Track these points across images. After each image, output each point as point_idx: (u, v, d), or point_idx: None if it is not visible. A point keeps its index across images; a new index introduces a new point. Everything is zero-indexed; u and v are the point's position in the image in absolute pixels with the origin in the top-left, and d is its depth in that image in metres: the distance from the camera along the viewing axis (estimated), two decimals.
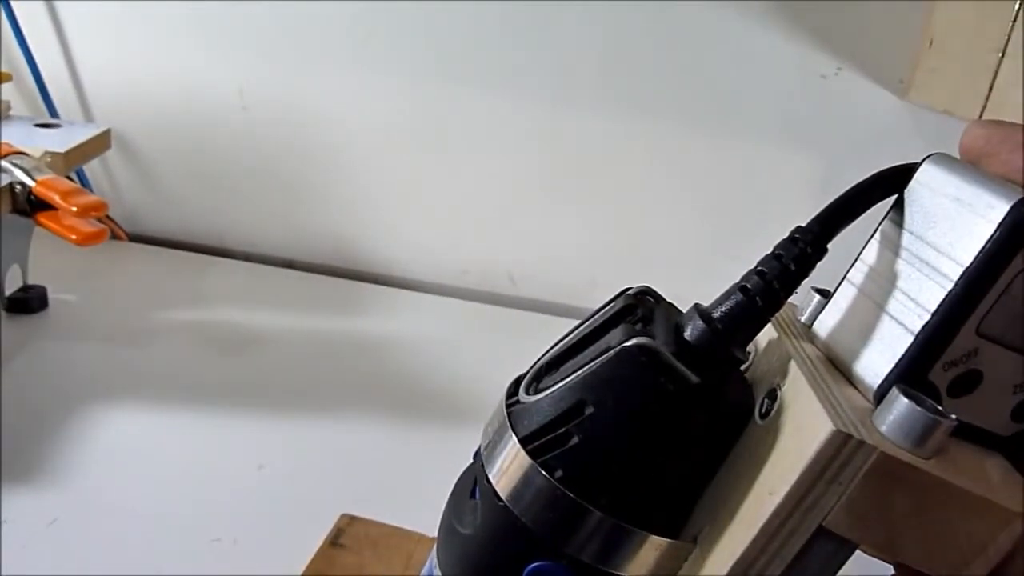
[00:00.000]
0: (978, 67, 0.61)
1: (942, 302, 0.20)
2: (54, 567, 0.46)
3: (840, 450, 0.18)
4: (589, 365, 0.22)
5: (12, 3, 0.77)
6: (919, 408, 0.19)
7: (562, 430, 0.21)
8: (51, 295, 0.71)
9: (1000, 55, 0.60)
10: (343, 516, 0.51)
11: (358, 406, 0.64)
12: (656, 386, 0.21)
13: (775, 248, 0.22)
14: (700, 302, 0.23)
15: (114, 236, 0.84)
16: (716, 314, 0.22)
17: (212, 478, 0.54)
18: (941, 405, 0.20)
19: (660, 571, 0.22)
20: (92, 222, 0.57)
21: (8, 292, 0.68)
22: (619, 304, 0.23)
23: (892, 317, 0.22)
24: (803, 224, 0.22)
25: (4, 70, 0.74)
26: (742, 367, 0.23)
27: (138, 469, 0.54)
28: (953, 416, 0.19)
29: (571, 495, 0.21)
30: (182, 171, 0.86)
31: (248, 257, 0.87)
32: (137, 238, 0.87)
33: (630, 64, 0.76)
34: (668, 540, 0.22)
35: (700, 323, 0.22)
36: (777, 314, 0.24)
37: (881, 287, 0.22)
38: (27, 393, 0.59)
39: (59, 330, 0.69)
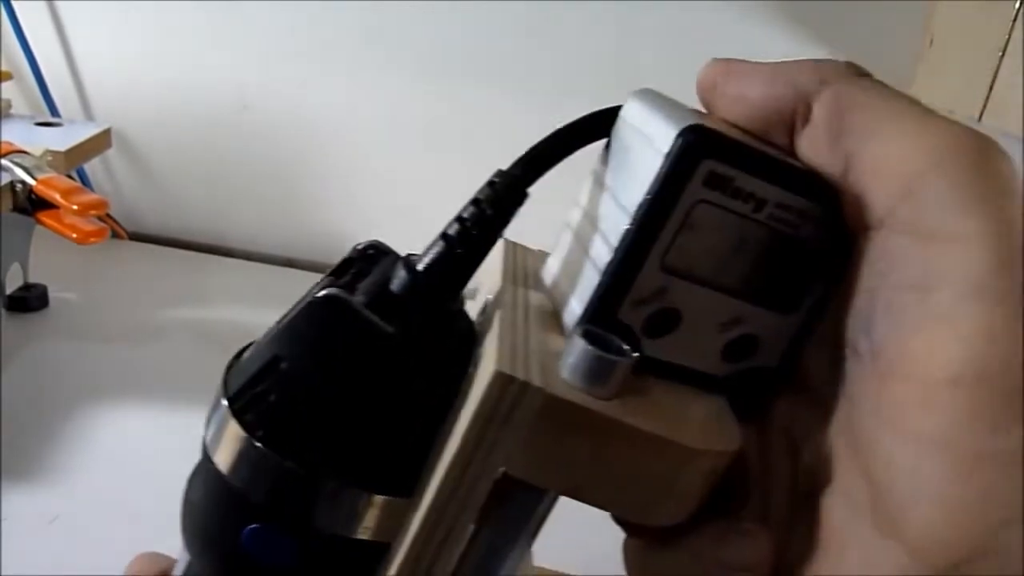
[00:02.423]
0: (978, 67, 0.61)
1: (620, 239, 0.19)
2: (54, 566, 0.45)
3: (505, 392, 0.18)
4: (283, 319, 0.21)
5: (13, 2, 0.77)
6: (591, 347, 0.18)
7: (260, 388, 0.20)
8: (52, 294, 0.71)
9: (1000, 55, 0.60)
10: None
11: None
12: (346, 338, 0.20)
13: (476, 193, 0.21)
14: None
15: (114, 235, 0.84)
16: (420, 265, 0.21)
17: None
18: (639, 345, 0.20)
19: (378, 527, 0.20)
20: (93, 221, 0.57)
21: (9, 291, 0.68)
22: (340, 260, 0.22)
23: (590, 258, 0.21)
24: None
25: (5, 69, 0.74)
26: (467, 318, 0.22)
27: (138, 468, 0.54)
28: (634, 354, 0.19)
29: (273, 453, 0.20)
30: (183, 170, 0.86)
31: (249, 256, 0.87)
32: (137, 237, 0.87)
33: (631, 64, 0.76)
34: (380, 496, 0.20)
35: (403, 273, 0.21)
36: (517, 263, 0.23)
37: (585, 229, 0.22)
38: (27, 392, 0.59)
39: (59, 329, 0.69)
